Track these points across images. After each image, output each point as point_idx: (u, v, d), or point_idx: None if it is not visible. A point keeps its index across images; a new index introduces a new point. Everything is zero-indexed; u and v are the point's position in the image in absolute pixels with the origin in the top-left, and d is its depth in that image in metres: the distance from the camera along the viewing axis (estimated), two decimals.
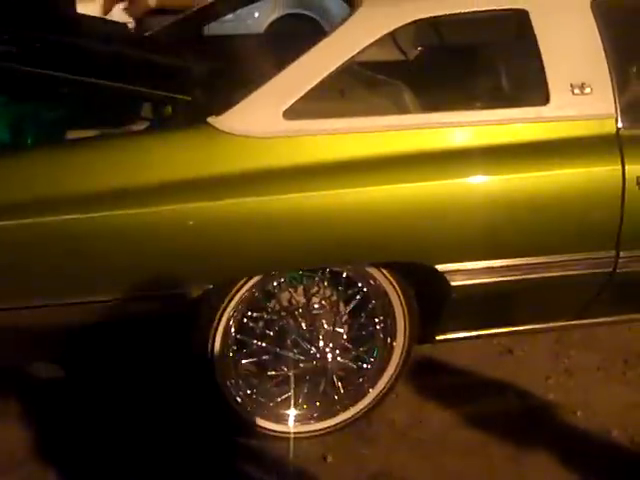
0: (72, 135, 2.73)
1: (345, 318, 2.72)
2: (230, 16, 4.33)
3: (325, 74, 2.44)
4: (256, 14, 7.08)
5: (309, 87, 2.42)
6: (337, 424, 2.75)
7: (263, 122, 2.41)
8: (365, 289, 2.67)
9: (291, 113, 2.41)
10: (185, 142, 2.44)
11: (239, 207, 2.37)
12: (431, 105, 2.62)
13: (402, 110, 2.63)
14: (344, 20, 2.52)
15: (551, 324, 2.89)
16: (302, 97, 2.42)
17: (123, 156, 2.42)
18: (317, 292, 2.68)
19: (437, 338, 2.76)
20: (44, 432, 2.77)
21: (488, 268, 2.58)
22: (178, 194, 2.34)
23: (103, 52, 2.91)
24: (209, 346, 2.55)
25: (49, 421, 2.82)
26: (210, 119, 2.41)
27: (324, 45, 2.48)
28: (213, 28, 4.16)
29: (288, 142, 2.42)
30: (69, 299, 2.39)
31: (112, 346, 2.62)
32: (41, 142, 2.84)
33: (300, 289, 2.67)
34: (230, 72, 2.86)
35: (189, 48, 3.18)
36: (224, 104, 2.45)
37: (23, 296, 2.37)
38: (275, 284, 2.63)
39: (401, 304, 2.66)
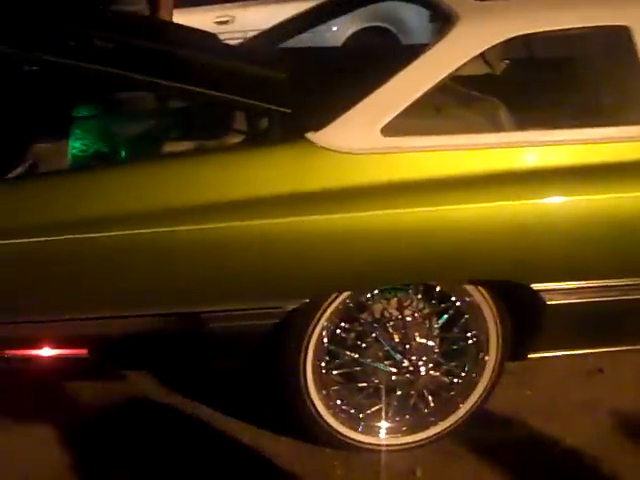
0: (168, 148, 2.80)
1: (437, 331, 2.73)
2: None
3: (423, 91, 2.46)
4: (334, 28, 7.09)
5: (407, 104, 2.45)
6: (427, 438, 2.77)
7: (361, 138, 2.43)
8: (458, 303, 2.68)
9: (389, 130, 2.44)
10: (284, 157, 2.48)
11: (337, 223, 2.40)
12: (528, 123, 2.61)
13: (499, 127, 2.62)
14: (442, 36, 2.54)
15: None
16: (400, 114, 2.44)
17: (221, 171, 2.46)
18: (410, 305, 2.69)
19: (529, 356, 2.75)
20: None
21: (583, 288, 2.57)
22: (277, 209, 2.38)
23: (196, 60, 2.95)
24: (302, 357, 2.59)
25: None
26: (309, 134, 2.44)
27: (422, 62, 2.50)
28: (290, 41, 4.19)
29: (386, 159, 2.44)
30: (162, 310, 2.47)
31: (211, 357, 2.68)
32: (136, 156, 2.91)
33: (393, 301, 2.69)
34: (320, 85, 2.89)
35: (274, 61, 3.22)
36: (321, 119, 2.48)
37: (112, 306, 2.44)
38: (369, 296, 2.65)
39: (494, 320, 2.66)
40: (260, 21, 6.12)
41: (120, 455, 2.79)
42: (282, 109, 2.58)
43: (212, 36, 3.65)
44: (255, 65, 3.01)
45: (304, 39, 3.86)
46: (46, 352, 2.52)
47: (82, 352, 2.53)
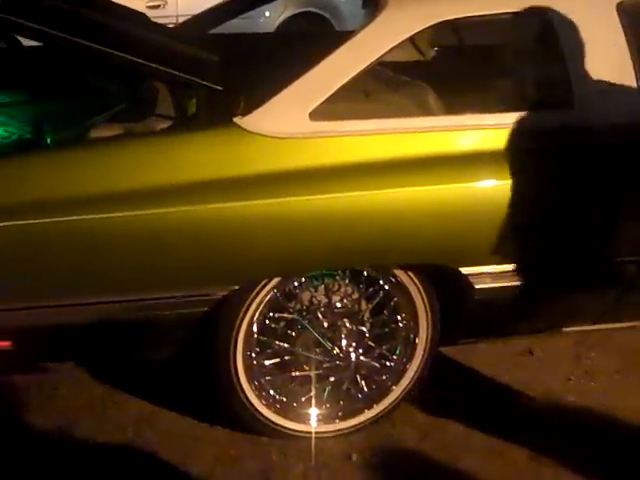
0: (95, 134, 2.74)
1: (367, 316, 2.72)
2: None
3: (351, 75, 2.45)
4: (267, 13, 7.08)
5: (335, 88, 2.43)
6: (362, 422, 2.77)
7: (289, 123, 2.41)
8: (387, 287, 2.67)
9: (317, 114, 2.42)
10: (211, 142, 2.44)
11: (264, 208, 2.38)
12: (456, 107, 2.62)
13: (427, 111, 2.63)
14: (369, 21, 2.53)
15: (573, 327, 2.89)
16: (328, 98, 2.43)
17: (148, 156, 2.42)
18: (338, 290, 2.68)
19: (460, 341, 2.76)
20: None
21: (511, 271, 2.59)
22: (203, 195, 2.35)
23: (130, 32, 2.89)
24: (232, 347, 2.56)
25: None
26: (236, 119, 2.41)
27: (350, 46, 2.48)
28: (222, 27, 4.14)
29: (314, 143, 2.43)
30: (87, 299, 2.41)
31: (134, 346, 2.64)
32: (62, 141, 2.84)
33: (321, 288, 2.67)
34: (249, 70, 2.86)
35: (206, 45, 3.17)
36: (249, 104, 2.46)
37: (37, 296, 2.38)
38: (296, 284, 2.63)
39: (424, 303, 2.67)
40: (192, 6, 6.06)
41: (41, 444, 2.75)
42: (214, 86, 2.54)
43: (144, 15, 3.59)
44: (187, 45, 2.96)
45: (236, 25, 3.82)
46: None
47: (5, 344, 2.46)
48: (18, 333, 2.45)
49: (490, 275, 2.57)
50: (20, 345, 2.47)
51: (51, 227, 2.31)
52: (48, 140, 2.86)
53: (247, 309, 2.54)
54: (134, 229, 2.34)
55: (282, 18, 7.28)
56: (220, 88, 2.54)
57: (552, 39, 2.59)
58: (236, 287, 2.47)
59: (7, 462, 2.65)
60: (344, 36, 2.57)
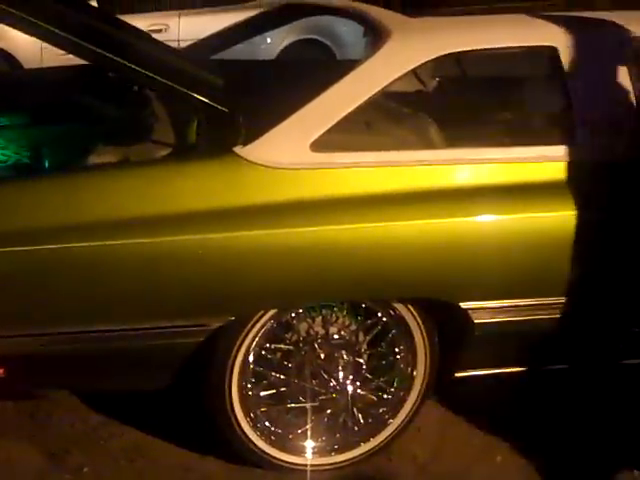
0: (92, 159, 2.72)
1: (364, 348, 2.69)
2: None
3: (353, 107, 2.44)
4: (268, 39, 7.11)
5: (336, 119, 2.43)
6: (357, 456, 2.73)
7: (290, 153, 2.40)
8: (385, 319, 2.65)
9: (318, 145, 2.41)
10: (211, 171, 2.43)
11: (262, 238, 2.36)
12: (457, 140, 2.61)
13: (428, 144, 2.62)
14: (373, 52, 2.52)
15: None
16: (329, 129, 2.42)
17: (147, 184, 2.41)
18: (336, 322, 2.66)
19: (456, 374, 2.74)
20: None
21: (509, 307, 2.57)
22: (201, 224, 2.33)
23: (139, 48, 2.89)
24: (227, 377, 2.53)
25: None
26: (237, 148, 2.40)
27: (352, 78, 2.48)
28: (223, 53, 4.15)
29: (314, 174, 2.41)
30: (82, 327, 2.39)
31: (129, 375, 2.60)
32: (60, 166, 2.83)
33: (318, 319, 2.65)
34: (250, 97, 2.85)
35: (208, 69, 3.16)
36: (249, 133, 2.44)
37: (30, 324, 2.36)
38: (293, 315, 2.61)
39: (422, 336, 2.64)
40: (194, 31, 6.09)
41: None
42: (221, 107, 2.52)
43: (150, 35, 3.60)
44: (194, 66, 2.95)
45: (238, 50, 3.83)
46: None
47: None
48: (10, 360, 2.42)
49: (490, 310, 2.54)
50: (12, 372, 2.43)
51: (45, 254, 2.28)
52: (46, 165, 2.85)
53: (243, 340, 2.51)
54: (131, 258, 2.32)
55: (284, 45, 7.32)
56: (226, 110, 2.52)
57: (557, 73, 2.59)
58: (232, 318, 2.44)
59: None
60: (346, 65, 2.57)
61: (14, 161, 2.87)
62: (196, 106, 2.57)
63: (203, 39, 3.76)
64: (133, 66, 2.49)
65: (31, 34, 2.52)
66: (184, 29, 6.97)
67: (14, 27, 2.49)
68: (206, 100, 2.52)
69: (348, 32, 7.45)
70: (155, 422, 2.92)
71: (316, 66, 4.38)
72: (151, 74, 2.50)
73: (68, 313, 2.37)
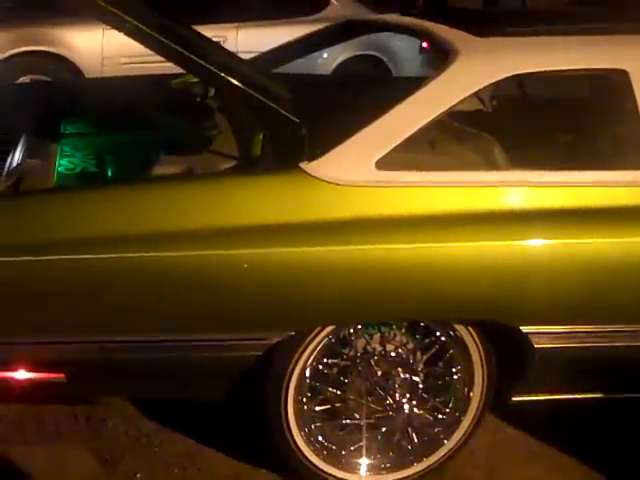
0: (158, 170, 2.75)
1: (422, 367, 2.68)
2: None
3: (419, 126, 2.43)
4: (325, 54, 7.12)
5: (403, 138, 2.42)
6: (410, 476, 2.72)
7: (355, 171, 2.40)
8: (443, 338, 2.63)
9: (383, 163, 2.41)
10: (276, 186, 2.44)
11: (324, 255, 2.36)
12: (522, 162, 2.58)
13: (493, 166, 2.61)
14: (440, 71, 2.52)
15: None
16: (395, 148, 2.42)
17: (212, 197, 2.42)
18: (393, 339, 2.65)
19: (513, 399, 2.71)
20: None
21: (571, 332, 2.54)
22: (263, 239, 2.34)
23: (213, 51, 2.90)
24: (283, 391, 2.54)
25: None
26: (302, 164, 2.41)
27: (420, 96, 2.48)
28: (282, 67, 4.17)
29: (379, 192, 2.41)
30: (143, 337, 2.42)
31: (186, 386, 2.63)
32: (125, 176, 2.86)
33: (376, 336, 2.64)
34: (313, 112, 2.85)
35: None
36: (315, 149, 2.45)
37: (93, 331, 2.39)
38: (351, 331, 2.61)
39: (480, 358, 2.62)
40: (252, 43, 6.14)
41: None
42: (292, 117, 2.52)
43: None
44: (264, 76, 2.97)
45: (294, 65, 3.85)
46: (21, 375, 2.46)
47: (59, 376, 2.47)
48: (71, 366, 2.46)
49: (551, 336, 2.51)
50: (73, 378, 2.48)
51: (109, 263, 2.32)
52: (111, 173, 2.89)
53: (301, 354, 2.52)
54: (193, 270, 2.34)
55: (340, 60, 7.31)
56: (297, 120, 2.52)
57: (626, 97, 2.55)
58: (291, 332, 2.45)
59: None
60: (408, 83, 2.56)
61: (81, 169, 2.90)
62: (267, 115, 2.55)
63: (263, 54, 3.79)
64: (212, 68, 2.51)
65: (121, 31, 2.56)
66: (242, 42, 7.01)
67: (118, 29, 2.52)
68: (279, 109, 2.53)
69: (404, 48, 7.45)
70: (208, 431, 2.93)
71: (375, 82, 4.39)
72: (229, 79, 2.51)
73: (131, 322, 2.40)
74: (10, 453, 2.81)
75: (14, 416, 2.96)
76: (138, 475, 2.76)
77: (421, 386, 2.68)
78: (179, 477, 2.78)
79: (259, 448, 2.75)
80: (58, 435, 2.93)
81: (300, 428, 2.61)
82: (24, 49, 6.22)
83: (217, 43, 3.18)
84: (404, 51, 7.45)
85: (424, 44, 6.06)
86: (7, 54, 6.15)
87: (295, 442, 2.62)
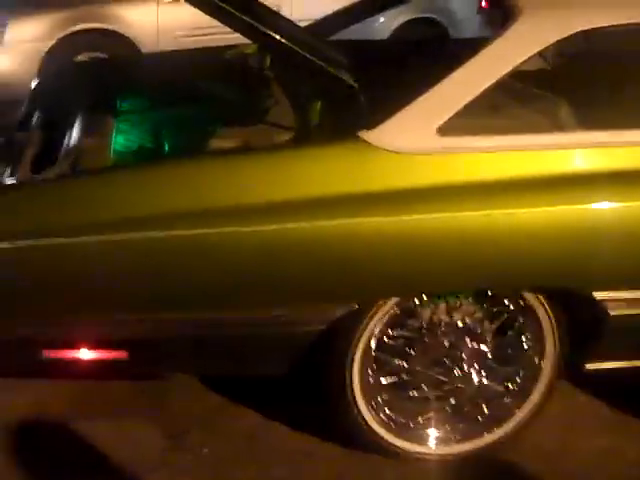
0: (214, 144, 2.72)
1: (490, 336, 2.61)
2: None
3: (481, 89, 2.34)
4: (382, 19, 7.00)
5: (464, 102, 2.33)
6: (481, 447, 2.67)
7: (416, 138, 2.33)
8: (512, 307, 2.56)
9: (445, 129, 2.33)
10: (335, 156, 2.38)
11: (388, 225, 2.31)
12: (591, 122, 2.48)
13: (561, 127, 2.51)
14: (502, 31, 2.42)
15: None
16: (457, 113, 2.33)
17: (271, 170, 2.38)
18: (460, 309, 2.59)
19: (587, 367, 2.63)
20: None
21: None
22: (325, 211, 2.29)
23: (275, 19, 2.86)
24: (348, 364, 2.50)
25: None
26: (361, 133, 2.35)
27: (481, 58, 2.38)
28: (340, 33, 4.09)
29: (441, 159, 2.34)
30: (206, 314, 2.40)
31: (249, 362, 2.61)
32: (182, 151, 2.84)
33: (442, 306, 2.58)
34: (371, 79, 2.78)
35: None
36: (374, 117, 2.38)
37: (155, 308, 2.39)
38: (417, 302, 2.55)
39: (551, 326, 2.54)
40: (307, 10, 6.05)
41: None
42: (351, 82, 2.46)
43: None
44: (322, 43, 2.90)
45: (350, 30, 3.77)
46: (85, 354, 2.48)
47: (122, 354, 2.47)
48: (134, 344, 2.46)
49: (625, 301, 2.43)
50: (135, 356, 2.48)
51: (172, 240, 2.30)
52: (168, 149, 2.87)
53: (365, 326, 2.47)
54: (254, 245, 2.30)
55: (396, 24, 7.18)
56: (356, 87, 2.46)
57: None
58: (355, 305, 2.41)
59: (114, 468, 2.68)
60: (468, 45, 2.47)
61: (138, 146, 2.89)
62: (326, 83, 2.51)
63: (319, 20, 3.71)
64: (272, 35, 2.47)
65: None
66: (296, 8, 6.91)
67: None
68: (338, 76, 2.48)
69: (462, 9, 7.30)
70: (274, 406, 2.92)
71: (434, 44, 4.28)
72: (289, 45, 2.47)
73: (193, 299, 2.38)
74: (76, 428, 2.84)
75: (80, 391, 2.98)
76: (205, 450, 2.77)
77: (490, 356, 2.62)
78: (246, 452, 2.77)
79: (327, 423, 2.73)
80: (124, 410, 2.95)
81: (366, 401, 2.57)
82: (81, 27, 6.23)
83: (274, 10, 3.11)
84: (462, 12, 7.32)
85: (483, 3, 5.95)
86: (65, 32, 6.16)
87: (361, 414, 2.58)
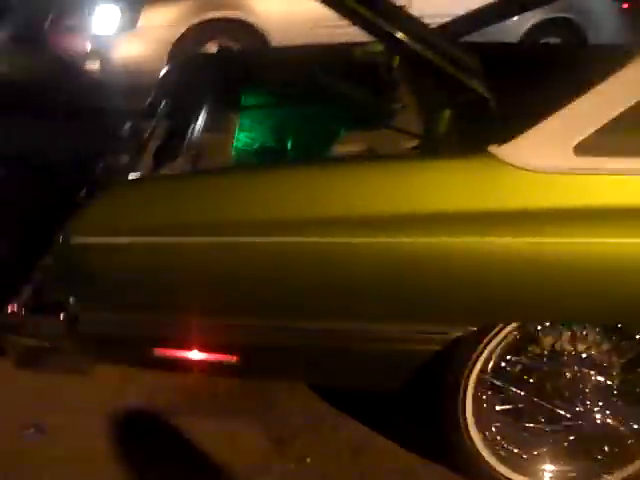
0: (338, 148, 2.64)
1: (617, 372, 2.45)
2: None
3: (627, 105, 2.16)
4: (514, 17, 6.76)
5: (606, 120, 2.16)
6: None
7: (551, 156, 2.18)
8: None
9: (583, 148, 2.17)
10: (463, 171, 2.25)
11: (518, 247, 2.17)
12: None
13: None
14: None
15: None
16: (597, 131, 2.16)
17: (394, 181, 2.27)
18: (586, 339, 2.43)
19: None
20: None
21: None
22: (449, 227, 2.18)
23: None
24: (462, 388, 2.40)
25: None
26: (492, 148, 2.22)
27: (628, 71, 2.19)
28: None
29: (578, 180, 2.18)
30: (320, 325, 2.35)
31: (360, 376, 2.54)
32: (304, 152, 2.77)
33: (566, 334, 2.43)
34: (502, 89, 2.63)
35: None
36: (506, 131, 2.24)
37: (269, 315, 2.36)
38: (539, 327, 2.41)
39: None
40: (438, 7, 5.90)
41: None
42: (487, 96, 2.34)
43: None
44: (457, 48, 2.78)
45: (480, 31, 3.60)
46: (195, 355, 2.46)
47: (232, 359, 2.44)
48: (245, 349, 2.43)
49: None
50: (245, 361, 2.45)
51: (284, 247, 2.25)
52: (288, 149, 2.81)
53: (482, 350, 2.36)
54: (373, 258, 2.21)
55: (529, 24, 6.91)
56: (489, 97, 2.34)
57: None
58: (474, 328, 2.29)
59: (213, 467, 2.66)
60: (609, 51, 2.30)
61: (259, 145, 2.84)
62: (458, 90, 2.38)
63: (454, 20, 3.56)
64: (402, 36, 2.35)
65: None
66: (426, 5, 6.75)
67: None
68: (472, 84, 2.35)
69: (601, 9, 6.96)
70: (383, 420, 2.84)
71: (572, 50, 4.07)
72: (420, 48, 2.34)
73: (308, 309, 2.32)
74: (182, 424, 2.84)
75: (189, 387, 2.98)
76: (308, 459, 2.72)
77: (616, 393, 2.45)
78: (350, 466, 2.70)
79: (434, 444, 2.62)
80: (231, 409, 2.92)
81: (478, 427, 2.46)
82: (212, 15, 6.26)
83: (405, 10, 3.00)
84: (600, 12, 6.95)
85: (624, 5, 5.65)
86: (197, 20, 6.21)
87: (472, 440, 2.47)
